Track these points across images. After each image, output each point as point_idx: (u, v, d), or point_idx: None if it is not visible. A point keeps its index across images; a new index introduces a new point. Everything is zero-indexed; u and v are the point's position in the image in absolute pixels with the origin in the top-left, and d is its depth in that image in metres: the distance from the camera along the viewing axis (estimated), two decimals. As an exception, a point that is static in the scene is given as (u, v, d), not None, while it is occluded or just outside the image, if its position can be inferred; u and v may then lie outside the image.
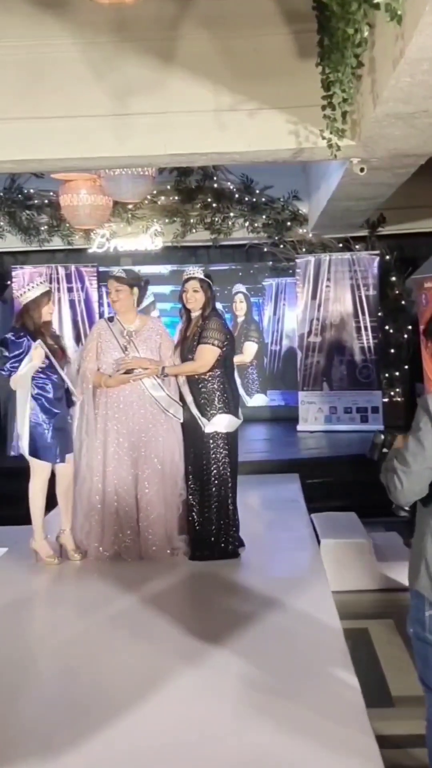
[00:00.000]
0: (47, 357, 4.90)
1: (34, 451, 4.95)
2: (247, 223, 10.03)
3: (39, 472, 4.99)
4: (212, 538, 4.98)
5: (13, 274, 9.84)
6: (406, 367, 9.73)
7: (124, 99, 5.23)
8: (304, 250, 10.03)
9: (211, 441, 4.97)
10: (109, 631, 4.01)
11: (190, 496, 5.03)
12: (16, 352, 4.86)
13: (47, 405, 4.93)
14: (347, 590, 5.13)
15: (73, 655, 3.74)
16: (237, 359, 9.97)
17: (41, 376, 4.92)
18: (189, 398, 5.02)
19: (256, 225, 10.02)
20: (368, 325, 9.59)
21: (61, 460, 5.00)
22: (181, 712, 3.12)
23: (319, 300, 9.69)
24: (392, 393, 9.82)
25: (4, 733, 2.99)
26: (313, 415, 9.67)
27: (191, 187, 9.86)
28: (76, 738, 2.91)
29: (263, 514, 6.37)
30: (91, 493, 5.03)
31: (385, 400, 9.67)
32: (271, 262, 10.52)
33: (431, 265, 7.56)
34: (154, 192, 9.53)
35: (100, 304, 9.92)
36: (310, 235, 9.97)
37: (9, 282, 9.91)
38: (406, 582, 2.68)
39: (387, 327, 9.82)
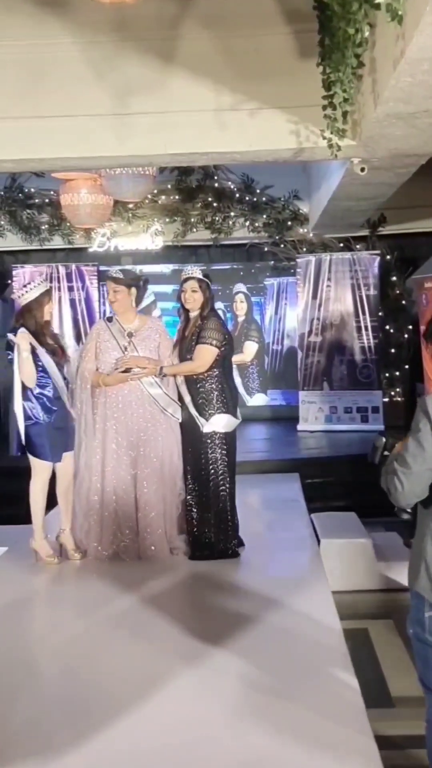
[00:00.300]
0: (49, 356, 4.92)
1: (34, 450, 4.95)
2: (247, 223, 10.03)
3: (40, 471, 5.00)
4: (212, 538, 4.98)
5: (14, 273, 9.84)
6: (407, 366, 9.73)
7: (125, 98, 5.23)
8: (304, 249, 10.03)
9: (209, 441, 4.97)
10: (108, 630, 4.01)
11: (189, 496, 5.03)
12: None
13: (48, 404, 4.93)
14: (347, 590, 5.14)
15: (73, 655, 3.74)
16: (237, 359, 10.02)
17: (42, 375, 4.93)
18: (187, 398, 5.02)
19: (256, 224, 10.02)
20: (369, 324, 9.59)
21: (61, 460, 5.00)
22: (180, 711, 3.12)
23: (320, 300, 9.69)
24: (392, 393, 9.82)
25: (4, 733, 2.99)
26: (314, 414, 9.67)
27: (192, 187, 9.86)
28: (76, 738, 2.90)
29: (263, 513, 6.37)
30: (90, 493, 5.03)
31: (386, 399, 9.67)
32: (272, 262, 10.51)
33: (431, 264, 7.56)
34: (155, 191, 9.52)
35: (101, 304, 9.93)
36: (311, 234, 9.97)
37: (9, 281, 9.91)
38: (406, 582, 2.67)
39: (387, 327, 9.82)
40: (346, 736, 2.86)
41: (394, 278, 9.79)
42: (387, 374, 9.80)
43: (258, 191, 9.92)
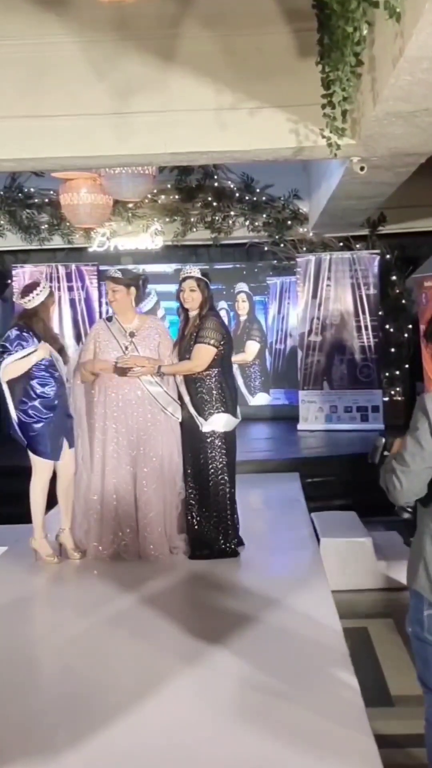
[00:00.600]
0: (50, 355, 4.93)
1: (36, 449, 4.95)
2: (247, 222, 10.03)
3: (41, 470, 5.00)
4: (211, 537, 4.98)
5: (14, 272, 9.85)
6: (407, 366, 9.72)
7: (125, 97, 5.23)
8: (304, 249, 10.02)
9: (209, 440, 4.97)
10: (108, 630, 4.01)
11: (189, 495, 5.03)
12: (24, 350, 4.87)
13: (48, 402, 4.94)
14: (347, 590, 5.14)
15: (73, 655, 3.74)
16: (239, 358, 10.03)
17: (43, 374, 4.93)
18: (186, 397, 5.02)
19: (256, 224, 10.02)
20: (369, 324, 9.58)
21: (61, 458, 5.00)
22: (180, 711, 3.12)
23: (320, 299, 9.68)
24: (393, 392, 9.82)
25: (4, 733, 2.99)
26: (314, 414, 9.67)
27: (192, 186, 9.86)
28: (76, 737, 2.90)
29: (263, 513, 6.37)
30: (89, 492, 5.03)
31: (386, 399, 9.67)
32: (274, 261, 10.51)
33: (431, 264, 7.56)
34: (155, 191, 9.51)
35: (101, 303, 9.93)
36: (311, 234, 9.96)
37: (9, 281, 9.91)
38: (405, 581, 2.67)
39: (387, 326, 9.81)
40: (346, 735, 2.86)
41: (394, 277, 9.78)
42: (387, 373, 9.80)
43: (258, 190, 9.91)
